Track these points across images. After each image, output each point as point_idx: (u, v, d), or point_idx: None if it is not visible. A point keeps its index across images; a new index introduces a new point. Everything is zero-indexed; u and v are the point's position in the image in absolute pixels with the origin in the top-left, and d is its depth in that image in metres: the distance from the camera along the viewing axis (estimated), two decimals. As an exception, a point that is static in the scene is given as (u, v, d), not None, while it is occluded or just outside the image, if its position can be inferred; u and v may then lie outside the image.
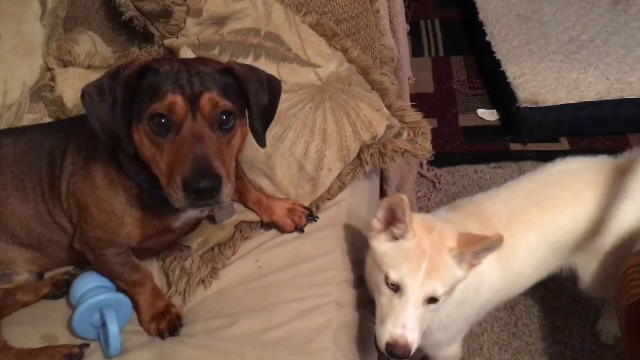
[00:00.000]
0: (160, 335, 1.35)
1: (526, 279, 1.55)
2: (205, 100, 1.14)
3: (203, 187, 1.09)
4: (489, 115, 2.83)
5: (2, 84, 1.57)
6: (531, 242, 1.48)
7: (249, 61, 1.52)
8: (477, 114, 2.84)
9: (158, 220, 1.32)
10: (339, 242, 1.49)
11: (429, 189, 2.52)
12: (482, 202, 1.53)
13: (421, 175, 2.52)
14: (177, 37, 1.64)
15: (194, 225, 1.46)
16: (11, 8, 1.58)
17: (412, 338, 1.22)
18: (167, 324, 1.36)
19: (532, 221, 1.48)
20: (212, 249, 1.45)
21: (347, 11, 1.68)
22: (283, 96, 1.36)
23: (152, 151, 1.15)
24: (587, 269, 1.60)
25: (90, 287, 1.35)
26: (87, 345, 1.32)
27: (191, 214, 1.36)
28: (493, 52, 2.86)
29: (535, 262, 1.52)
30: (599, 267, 1.58)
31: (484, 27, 3.02)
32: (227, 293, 1.41)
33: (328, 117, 1.49)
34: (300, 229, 1.50)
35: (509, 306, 2.05)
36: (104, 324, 1.30)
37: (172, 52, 1.67)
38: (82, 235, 1.33)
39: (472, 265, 1.26)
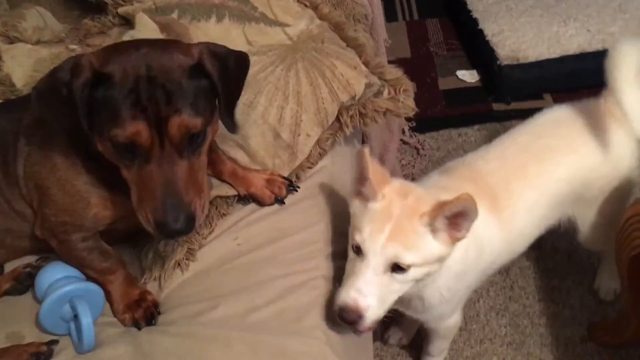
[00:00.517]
0: (137, 325, 1.25)
1: (527, 237, 1.47)
2: (175, 127, 1.01)
3: (177, 230, 1.03)
4: (469, 76, 2.74)
5: (-58, 64, 1.44)
6: (531, 199, 1.40)
7: (211, 23, 1.40)
8: (457, 76, 2.74)
9: (128, 199, 1.21)
10: (323, 212, 1.39)
11: (412, 156, 2.43)
12: (475, 162, 1.44)
13: (404, 142, 2.43)
14: (132, 4, 1.51)
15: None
16: (-55, -19, 1.44)
17: (366, 304, 1.12)
18: (143, 312, 1.26)
19: (529, 176, 1.40)
20: (187, 228, 1.34)
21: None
22: (252, 59, 1.25)
23: (119, 163, 1.07)
24: (586, 219, 1.54)
25: (58, 277, 1.24)
26: (56, 342, 1.21)
27: None
28: (469, 11, 2.76)
29: (536, 218, 1.44)
30: (597, 216, 1.52)
31: (458, -14, 2.92)
32: (206, 275, 1.30)
33: (302, 78, 1.38)
34: (280, 200, 1.39)
35: (504, 270, 1.97)
36: (75, 317, 1.20)
37: (127, 21, 1.55)
38: (44, 221, 1.22)
39: (454, 238, 1.15)
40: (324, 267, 1.30)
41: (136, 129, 0.99)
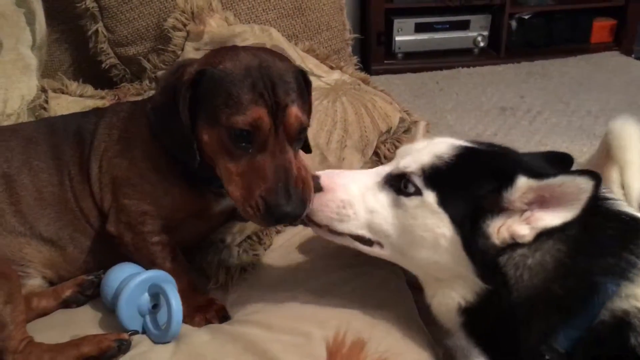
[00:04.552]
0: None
1: None
2: (293, 117, 1.04)
3: (290, 212, 1.01)
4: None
5: (3, 91, 1.47)
6: None
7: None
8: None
9: (200, 197, 1.24)
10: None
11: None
12: None
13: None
14: (171, 65, 1.63)
15: (227, 216, 1.36)
16: (10, 27, 1.52)
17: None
18: (215, 313, 1.20)
19: None
20: (250, 237, 1.34)
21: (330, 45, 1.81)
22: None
23: (224, 158, 1.07)
24: None
25: (129, 273, 1.18)
26: (137, 332, 1.13)
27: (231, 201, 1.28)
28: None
29: None
30: None
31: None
32: (275, 273, 1.30)
33: (347, 108, 1.53)
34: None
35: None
36: (154, 307, 1.14)
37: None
38: (121, 214, 1.20)
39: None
40: (389, 265, 1.33)
41: (258, 114, 1.01)
